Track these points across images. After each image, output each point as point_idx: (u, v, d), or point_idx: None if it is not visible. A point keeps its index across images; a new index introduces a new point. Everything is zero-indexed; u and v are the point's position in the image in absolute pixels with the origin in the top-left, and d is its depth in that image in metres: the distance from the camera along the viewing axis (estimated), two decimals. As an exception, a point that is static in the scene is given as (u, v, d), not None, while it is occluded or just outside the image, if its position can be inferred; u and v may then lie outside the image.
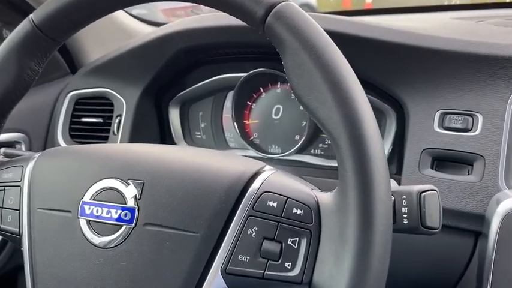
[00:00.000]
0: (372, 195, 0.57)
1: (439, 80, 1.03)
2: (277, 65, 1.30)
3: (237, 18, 0.67)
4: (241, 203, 0.63)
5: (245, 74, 1.34)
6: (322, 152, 1.33)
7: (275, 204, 0.63)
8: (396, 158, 1.20)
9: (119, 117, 1.38)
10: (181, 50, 1.22)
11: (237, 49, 1.25)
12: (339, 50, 0.61)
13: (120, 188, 0.66)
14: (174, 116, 1.47)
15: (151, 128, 1.45)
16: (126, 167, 0.68)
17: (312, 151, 1.35)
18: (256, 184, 0.65)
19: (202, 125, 1.47)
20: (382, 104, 1.19)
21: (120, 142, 1.36)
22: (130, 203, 0.65)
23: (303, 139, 1.30)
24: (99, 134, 1.42)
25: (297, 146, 1.31)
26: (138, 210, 0.65)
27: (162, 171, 0.67)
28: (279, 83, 1.36)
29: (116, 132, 1.38)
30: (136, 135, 1.37)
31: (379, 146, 0.59)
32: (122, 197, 0.65)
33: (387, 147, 1.21)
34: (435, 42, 1.02)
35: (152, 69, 1.30)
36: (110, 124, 1.41)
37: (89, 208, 0.66)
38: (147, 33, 1.24)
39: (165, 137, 1.47)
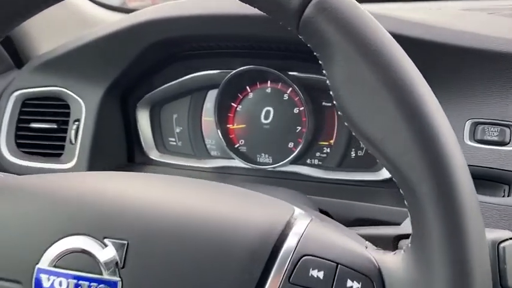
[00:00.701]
0: (469, 268, 0.40)
1: (469, 84, 0.87)
2: (267, 62, 1.12)
3: (256, 7, 0.49)
4: (271, 272, 0.44)
5: (231, 71, 1.14)
6: (320, 162, 1.16)
7: (321, 275, 0.44)
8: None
9: (77, 123, 1.15)
10: (156, 43, 1.00)
11: (222, 42, 1.05)
12: (410, 60, 0.44)
13: (94, 250, 0.45)
14: (143, 119, 1.25)
15: (117, 135, 1.22)
16: (102, 218, 0.47)
17: (309, 161, 1.17)
18: (290, 242, 0.46)
19: (178, 130, 1.26)
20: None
21: (79, 153, 1.12)
22: (109, 273, 0.45)
23: (299, 147, 1.12)
24: (53, 142, 1.18)
25: (292, 155, 1.13)
26: (122, 284, 0.45)
27: (154, 225, 0.47)
28: (268, 82, 1.17)
29: (73, 141, 1.14)
30: (98, 145, 1.14)
31: (475, 196, 0.43)
32: (97, 264, 0.45)
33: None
34: (466, 39, 0.85)
35: (118, 65, 1.07)
36: (65, 131, 1.17)
37: (48, 279, 0.45)
38: (113, 21, 1.01)
39: (132, 145, 1.25)
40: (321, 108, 1.14)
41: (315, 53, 0.47)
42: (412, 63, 0.43)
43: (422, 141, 0.40)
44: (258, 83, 1.18)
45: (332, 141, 1.15)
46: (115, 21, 1.00)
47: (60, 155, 1.16)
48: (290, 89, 1.15)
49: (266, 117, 1.18)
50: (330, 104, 1.14)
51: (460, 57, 0.87)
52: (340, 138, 1.13)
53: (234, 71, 1.12)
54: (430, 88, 0.43)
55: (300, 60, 1.09)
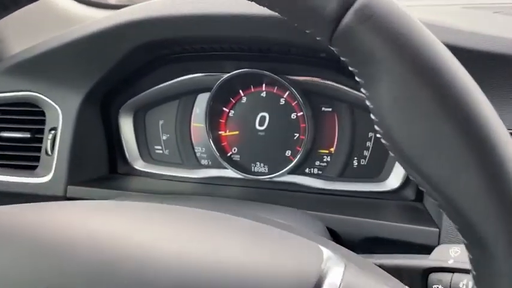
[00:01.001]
0: None
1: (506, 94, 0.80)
2: (262, 64, 1.04)
3: (277, 12, 0.40)
4: None
5: (223, 74, 1.05)
6: (320, 172, 1.08)
7: None
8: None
9: (53, 132, 1.04)
10: (143, 45, 0.90)
11: (214, 44, 0.96)
12: (475, 82, 0.36)
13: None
14: (126, 126, 1.15)
15: (98, 144, 1.12)
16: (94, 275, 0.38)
17: (308, 170, 1.09)
18: (327, 297, 0.37)
19: (164, 137, 1.17)
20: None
21: (57, 165, 1.02)
22: None
23: (297, 156, 1.04)
24: (27, 153, 1.07)
25: (290, 165, 1.05)
26: None
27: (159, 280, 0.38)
28: (263, 85, 1.09)
29: (49, 152, 1.03)
30: (78, 155, 1.04)
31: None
32: None
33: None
34: (496, 44, 0.78)
35: (100, 68, 0.97)
36: (41, 140, 1.06)
37: None
38: (94, 20, 0.90)
39: (115, 155, 1.15)
40: (321, 114, 1.06)
41: (351, 69, 0.39)
42: (478, 86, 0.36)
43: (499, 186, 0.32)
44: (252, 87, 1.10)
45: (333, 149, 1.07)
46: (97, 20, 0.89)
47: (35, 167, 1.05)
48: (287, 93, 1.07)
49: (261, 124, 1.10)
50: (330, 109, 1.06)
51: (488, 63, 0.79)
52: (341, 146, 1.06)
53: (229, 74, 1.03)
54: (500, 119, 0.36)
55: (297, 63, 1.01)
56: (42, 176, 1.02)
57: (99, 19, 0.88)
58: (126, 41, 0.88)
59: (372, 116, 0.39)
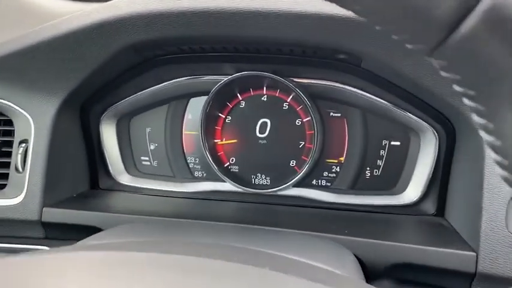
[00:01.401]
0: None
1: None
2: (264, 66, 0.92)
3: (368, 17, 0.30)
4: None
5: (221, 77, 0.93)
6: (329, 184, 0.98)
7: None
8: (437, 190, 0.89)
9: (23, 145, 0.89)
10: (134, 44, 0.76)
11: (214, 44, 0.83)
12: None
13: None
14: (109, 135, 1.02)
15: (76, 156, 0.98)
16: None
17: (315, 182, 0.99)
18: None
19: (152, 147, 1.04)
20: (420, 121, 0.87)
21: (30, 183, 0.88)
22: None
23: (305, 167, 0.94)
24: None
25: (297, 176, 0.95)
26: None
27: None
28: (264, 88, 0.97)
29: (20, 168, 0.88)
30: (54, 172, 0.89)
31: None
32: None
33: (424, 176, 0.89)
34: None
35: (81, 70, 0.83)
36: (9, 155, 0.91)
37: None
38: (76, 14, 0.75)
39: (96, 168, 1.01)
40: (329, 120, 0.96)
41: (459, 89, 0.29)
42: None
43: None
44: (251, 90, 0.98)
45: (342, 159, 0.97)
46: (78, 14, 0.74)
47: (3, 186, 0.90)
48: (291, 96, 0.96)
49: (262, 131, 0.99)
50: (339, 115, 0.96)
51: None
52: (352, 154, 0.96)
53: (231, 77, 0.91)
54: None
55: (302, 65, 0.90)
56: (12, 197, 0.87)
57: (80, 13, 0.74)
58: (113, 40, 0.74)
59: (492, 154, 0.29)
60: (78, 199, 0.93)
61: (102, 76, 0.87)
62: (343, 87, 0.91)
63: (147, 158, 1.04)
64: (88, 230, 0.85)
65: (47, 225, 0.86)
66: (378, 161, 0.95)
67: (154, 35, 0.72)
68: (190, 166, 1.03)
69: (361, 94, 0.90)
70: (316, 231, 0.77)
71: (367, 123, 0.95)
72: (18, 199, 0.86)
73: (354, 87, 0.90)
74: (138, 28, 0.71)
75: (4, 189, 0.89)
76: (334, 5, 0.31)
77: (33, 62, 0.82)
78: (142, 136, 1.04)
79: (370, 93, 0.89)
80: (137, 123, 1.04)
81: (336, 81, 0.91)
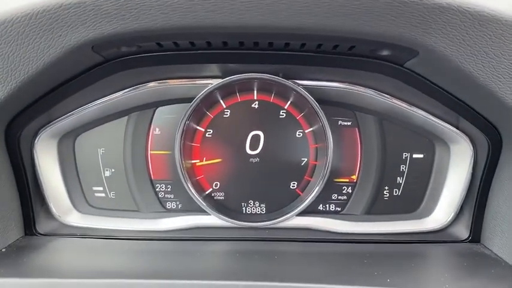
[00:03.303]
0: None
1: None
2: (256, 67, 0.71)
3: None
4: None
5: (203, 80, 0.71)
6: (339, 208, 0.80)
7: None
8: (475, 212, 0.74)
9: None
10: (96, 39, 0.50)
11: (193, 38, 0.60)
12: None
13: None
14: (46, 161, 0.75)
15: (4, 196, 0.69)
16: None
17: (322, 207, 0.80)
18: None
19: (107, 173, 0.80)
20: (452, 130, 0.72)
21: None
22: None
23: (314, 191, 0.75)
24: None
25: (304, 203, 0.76)
26: None
27: None
28: (255, 92, 0.77)
29: None
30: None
31: None
32: None
33: (455, 195, 0.74)
34: None
35: (11, 77, 0.55)
36: None
37: None
38: None
39: (30, 207, 0.74)
40: (337, 130, 0.77)
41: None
42: None
43: None
44: (237, 93, 0.77)
45: (355, 177, 0.79)
46: None
47: None
48: (289, 102, 0.76)
49: (253, 147, 0.78)
50: (349, 123, 0.78)
51: None
52: (366, 172, 0.79)
53: (223, 81, 0.69)
54: None
55: (305, 64, 0.70)
56: None
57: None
58: (66, 33, 0.48)
59: None
60: (10, 257, 0.66)
61: (40, 85, 0.60)
62: (356, 90, 0.73)
63: (101, 189, 0.79)
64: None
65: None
66: (398, 178, 0.79)
67: (127, 25, 0.48)
68: (159, 196, 0.80)
69: (379, 97, 0.72)
70: (349, 284, 0.58)
71: (384, 133, 0.78)
72: None
73: (370, 88, 0.72)
74: (105, 16, 0.46)
75: None
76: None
77: None
78: (94, 160, 0.78)
79: (390, 96, 0.72)
80: (85, 143, 0.78)
81: (348, 83, 0.73)
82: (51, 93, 0.66)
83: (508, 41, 0.51)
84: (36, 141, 0.73)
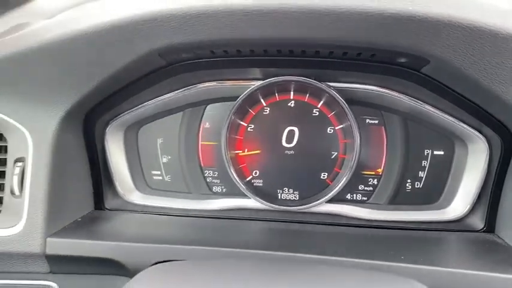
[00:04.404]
0: None
1: None
2: (294, 71, 0.82)
3: None
4: None
5: (247, 82, 0.83)
6: (365, 198, 0.89)
7: None
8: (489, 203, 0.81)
9: (20, 164, 0.76)
10: (163, 48, 0.63)
11: (243, 47, 0.71)
12: None
13: None
14: (115, 148, 0.89)
15: (80, 175, 0.85)
16: None
17: (349, 197, 0.90)
18: None
19: (164, 160, 0.92)
20: (469, 129, 0.79)
21: (30, 210, 0.75)
22: None
23: (342, 180, 0.85)
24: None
25: (333, 191, 0.85)
26: None
27: None
28: (291, 92, 0.87)
29: (17, 192, 0.75)
30: (57, 195, 0.76)
31: None
32: None
33: (472, 188, 0.81)
34: None
35: (92, 77, 0.70)
36: (1, 176, 0.77)
37: None
38: (84, 13, 0.62)
39: (100, 186, 0.89)
40: (365, 128, 0.86)
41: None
42: None
43: None
44: (276, 94, 0.87)
45: (380, 170, 0.88)
46: (88, 13, 0.61)
47: (-4, 213, 0.77)
48: (321, 102, 0.86)
49: (289, 140, 0.88)
50: (376, 122, 0.86)
51: None
52: (391, 166, 0.87)
53: (266, 81, 0.81)
54: None
55: (337, 68, 0.80)
56: (9, 226, 0.74)
57: (94, 10, 0.61)
58: (139, 43, 0.62)
59: None
60: (85, 225, 0.81)
61: (114, 84, 0.74)
62: (381, 92, 0.82)
63: (158, 173, 0.92)
64: (99, 263, 0.74)
65: (51, 258, 0.74)
66: (420, 172, 0.87)
67: (191, 37, 0.60)
68: (207, 180, 0.92)
69: (402, 99, 0.81)
70: (366, 259, 0.67)
71: (407, 131, 0.86)
72: (17, 229, 0.73)
73: (394, 90, 0.81)
74: (172, 29, 0.59)
75: (-2, 217, 0.76)
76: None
77: (30, 68, 0.69)
78: (153, 148, 0.92)
79: (412, 98, 0.80)
80: (146, 133, 0.92)
81: (375, 85, 0.82)
82: (121, 91, 0.80)
83: (506, 51, 0.59)
84: (107, 130, 0.88)
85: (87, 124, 0.84)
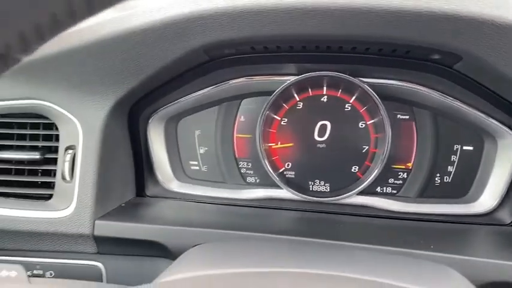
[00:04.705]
0: None
1: None
2: (327, 67, 0.85)
3: None
4: None
5: (282, 77, 0.86)
6: (395, 191, 0.92)
7: None
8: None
9: (71, 151, 0.81)
10: (209, 44, 0.68)
11: (282, 43, 0.75)
12: None
13: None
14: (156, 139, 0.94)
15: (125, 163, 0.90)
16: None
17: (379, 190, 0.92)
18: None
19: (202, 151, 0.97)
20: (499, 125, 0.81)
21: (80, 193, 0.80)
22: None
23: (373, 173, 0.87)
24: (36, 179, 0.84)
25: (364, 183, 0.88)
26: None
27: None
28: (324, 88, 0.90)
29: (68, 177, 0.81)
30: (105, 180, 0.82)
31: None
32: None
33: (501, 183, 0.83)
34: None
35: (141, 71, 0.75)
36: (53, 162, 0.83)
37: None
38: (136, 11, 0.67)
39: (142, 174, 0.94)
40: (396, 123, 0.89)
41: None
42: None
43: None
44: (309, 89, 0.91)
45: (410, 165, 0.90)
46: (141, 11, 0.66)
47: (48, 197, 0.83)
48: (354, 97, 0.89)
49: (321, 134, 0.92)
50: (407, 117, 0.89)
51: None
52: (420, 160, 0.89)
53: (300, 77, 0.84)
54: None
55: (370, 64, 0.83)
56: (61, 209, 0.80)
57: (147, 8, 0.66)
58: (188, 39, 0.66)
59: None
60: (129, 210, 0.86)
61: (159, 78, 0.79)
62: (413, 88, 0.84)
63: (196, 163, 0.97)
64: (143, 245, 0.79)
65: (99, 240, 0.79)
66: (449, 167, 0.89)
67: (237, 34, 0.65)
68: (242, 171, 0.96)
69: (434, 94, 0.83)
70: (397, 247, 0.70)
71: (437, 127, 0.88)
72: (68, 211, 0.79)
73: (426, 86, 0.83)
74: (220, 26, 0.63)
75: (50, 200, 0.82)
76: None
77: (84, 62, 0.75)
78: (191, 139, 0.96)
79: (443, 94, 0.82)
80: (185, 125, 0.96)
81: (406, 81, 0.84)
82: (164, 85, 0.85)
83: (539, 49, 0.61)
84: (149, 122, 0.93)
85: (131, 116, 0.89)
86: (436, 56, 0.70)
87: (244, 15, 0.62)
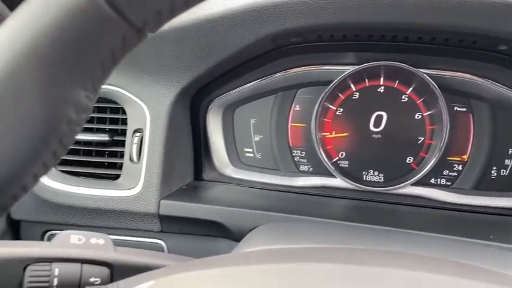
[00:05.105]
0: None
1: None
2: (386, 56, 0.86)
3: None
4: None
5: (339, 67, 0.88)
6: (450, 183, 0.92)
7: None
8: None
9: (138, 134, 0.86)
10: (280, 32, 0.71)
11: (346, 32, 0.77)
12: None
13: None
14: (214, 126, 0.98)
15: (186, 148, 0.94)
16: None
17: (434, 181, 0.93)
18: None
19: (256, 139, 0.99)
20: None
21: (147, 174, 0.85)
22: None
23: (429, 165, 0.88)
24: (105, 159, 0.89)
25: (419, 174, 0.89)
26: None
27: None
28: (381, 78, 0.91)
29: (135, 159, 0.86)
30: (169, 163, 0.86)
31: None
32: None
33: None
34: None
35: (208, 59, 0.78)
36: (121, 144, 0.88)
37: None
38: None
39: (200, 159, 0.97)
40: (453, 115, 0.89)
41: None
42: None
43: None
44: (366, 80, 0.92)
45: (466, 157, 0.90)
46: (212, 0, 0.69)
47: (116, 176, 0.88)
48: (411, 88, 0.90)
49: (377, 125, 0.93)
50: (464, 109, 0.89)
51: None
52: (477, 153, 0.89)
53: (359, 67, 0.86)
54: None
55: (430, 54, 0.84)
56: (128, 188, 0.84)
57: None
58: (259, 28, 0.69)
59: None
60: (190, 191, 0.90)
61: (223, 67, 0.82)
62: (472, 79, 0.84)
63: (250, 150, 1.00)
64: (205, 225, 0.82)
65: (164, 218, 0.84)
66: (506, 160, 0.88)
67: (309, 21, 0.67)
68: (295, 159, 0.99)
69: (493, 86, 0.83)
70: (456, 236, 0.71)
71: (495, 120, 0.88)
72: (135, 190, 0.84)
73: (486, 78, 0.83)
74: (293, 14, 0.66)
75: (118, 180, 0.87)
76: None
77: (156, 48, 0.78)
78: (247, 127, 0.99)
79: (504, 85, 0.82)
80: (241, 114, 0.99)
81: (465, 72, 0.85)
82: (227, 73, 0.88)
83: None
84: (209, 109, 0.97)
85: (194, 102, 0.93)
86: (503, 47, 0.71)
87: (318, 2, 0.64)
